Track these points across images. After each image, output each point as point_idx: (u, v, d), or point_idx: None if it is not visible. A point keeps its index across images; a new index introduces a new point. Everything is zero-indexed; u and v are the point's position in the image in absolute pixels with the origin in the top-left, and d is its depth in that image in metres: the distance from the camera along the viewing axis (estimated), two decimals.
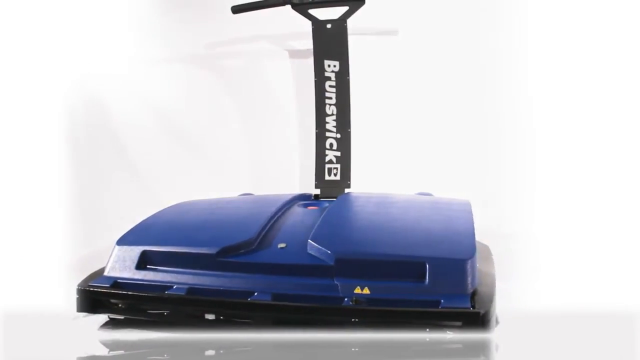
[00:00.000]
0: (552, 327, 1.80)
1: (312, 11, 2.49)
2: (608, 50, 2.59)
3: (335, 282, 1.71)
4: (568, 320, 1.85)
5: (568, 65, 2.65)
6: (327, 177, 2.49)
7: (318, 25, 2.50)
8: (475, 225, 1.91)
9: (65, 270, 2.36)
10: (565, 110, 2.66)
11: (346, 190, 2.45)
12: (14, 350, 1.73)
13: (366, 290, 1.68)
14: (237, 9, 2.60)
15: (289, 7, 2.50)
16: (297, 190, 2.57)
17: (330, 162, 2.50)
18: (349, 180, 2.48)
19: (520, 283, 2.15)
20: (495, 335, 1.69)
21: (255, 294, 1.72)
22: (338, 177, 2.49)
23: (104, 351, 1.77)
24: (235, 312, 1.73)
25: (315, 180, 2.50)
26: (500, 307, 1.83)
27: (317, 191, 2.48)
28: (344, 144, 2.49)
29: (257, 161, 3.01)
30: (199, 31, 3.00)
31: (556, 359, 1.68)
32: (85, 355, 1.75)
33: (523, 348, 1.73)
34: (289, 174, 2.91)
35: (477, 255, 1.74)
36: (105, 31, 3.02)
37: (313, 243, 1.79)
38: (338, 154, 2.49)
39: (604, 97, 2.60)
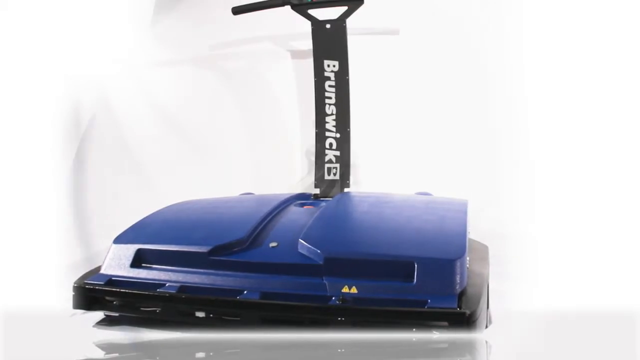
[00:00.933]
0: (551, 327, 1.79)
1: (311, 11, 2.51)
2: (605, 52, 2.57)
3: (324, 281, 1.72)
4: (567, 321, 1.84)
5: (567, 66, 2.63)
6: (326, 177, 2.51)
7: (317, 26, 2.51)
8: (475, 226, 1.91)
9: (66, 270, 2.39)
10: (564, 111, 2.64)
11: (345, 190, 2.46)
12: (14, 350, 1.76)
13: (354, 290, 1.68)
14: (237, 10, 2.63)
15: (288, 7, 2.52)
16: (298, 189, 2.59)
17: (330, 161, 2.51)
18: (349, 180, 2.49)
19: (519, 283, 2.14)
20: (490, 336, 1.69)
21: (245, 292, 1.73)
22: (337, 177, 2.50)
23: (99, 353, 1.79)
24: (223, 310, 1.74)
25: (315, 180, 2.51)
26: (499, 308, 1.83)
27: (317, 190, 2.50)
28: (344, 144, 2.50)
29: (258, 161, 3.03)
30: (200, 32, 3.03)
31: (555, 359, 1.67)
32: (83, 356, 1.77)
33: (520, 348, 1.72)
34: (290, 173, 2.93)
35: (472, 255, 1.73)
36: (107, 32, 3.05)
37: (303, 242, 1.79)
38: (337, 153, 2.50)
39: (603, 99, 2.58)
